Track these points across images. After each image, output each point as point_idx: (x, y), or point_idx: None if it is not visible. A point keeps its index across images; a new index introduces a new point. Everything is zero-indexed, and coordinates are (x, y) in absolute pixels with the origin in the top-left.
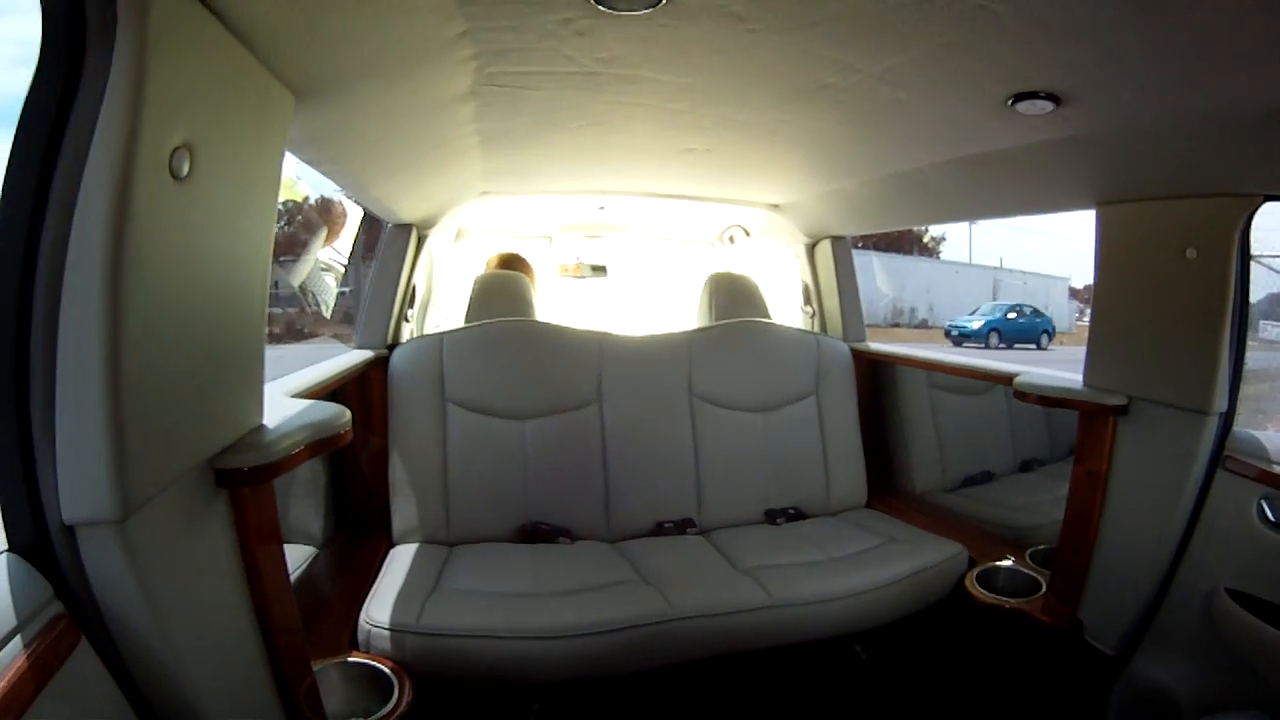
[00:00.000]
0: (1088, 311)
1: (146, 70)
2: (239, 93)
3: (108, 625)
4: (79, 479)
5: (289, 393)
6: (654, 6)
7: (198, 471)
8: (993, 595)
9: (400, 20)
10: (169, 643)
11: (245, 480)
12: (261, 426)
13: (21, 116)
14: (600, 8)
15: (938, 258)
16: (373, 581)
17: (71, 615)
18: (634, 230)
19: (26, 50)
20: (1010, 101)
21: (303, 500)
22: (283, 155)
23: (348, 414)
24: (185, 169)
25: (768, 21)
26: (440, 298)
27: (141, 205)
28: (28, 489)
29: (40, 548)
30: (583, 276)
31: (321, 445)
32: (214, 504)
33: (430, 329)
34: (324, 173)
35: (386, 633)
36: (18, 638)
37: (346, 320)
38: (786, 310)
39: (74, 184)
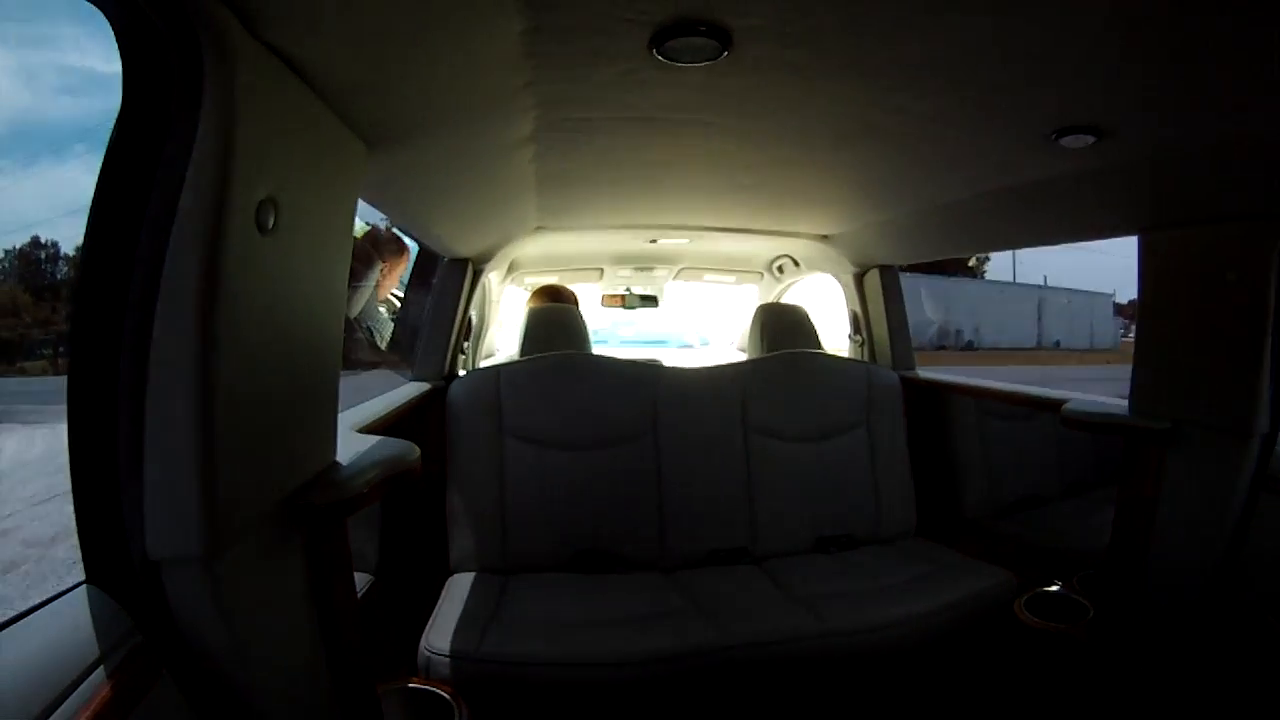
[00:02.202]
0: (1132, 328)
1: (235, 127)
2: (317, 145)
3: (188, 657)
4: (167, 517)
5: (354, 427)
6: (715, 59)
7: (277, 509)
8: (1041, 620)
9: (469, 73)
10: (248, 674)
11: (321, 517)
12: (336, 463)
13: (106, 165)
14: (663, 60)
15: (982, 278)
16: (430, 609)
17: (154, 648)
18: (684, 262)
19: (68, 79)
20: (1053, 136)
21: (359, 528)
22: (356, 203)
23: (417, 450)
24: (270, 222)
25: (821, 69)
26: (493, 328)
27: (231, 257)
28: (111, 525)
29: (120, 581)
30: (630, 307)
31: (395, 481)
32: (291, 539)
33: (482, 357)
34: (387, 213)
35: (447, 660)
36: (101, 668)
37: (393, 347)
38: (832, 340)
39: (162, 234)
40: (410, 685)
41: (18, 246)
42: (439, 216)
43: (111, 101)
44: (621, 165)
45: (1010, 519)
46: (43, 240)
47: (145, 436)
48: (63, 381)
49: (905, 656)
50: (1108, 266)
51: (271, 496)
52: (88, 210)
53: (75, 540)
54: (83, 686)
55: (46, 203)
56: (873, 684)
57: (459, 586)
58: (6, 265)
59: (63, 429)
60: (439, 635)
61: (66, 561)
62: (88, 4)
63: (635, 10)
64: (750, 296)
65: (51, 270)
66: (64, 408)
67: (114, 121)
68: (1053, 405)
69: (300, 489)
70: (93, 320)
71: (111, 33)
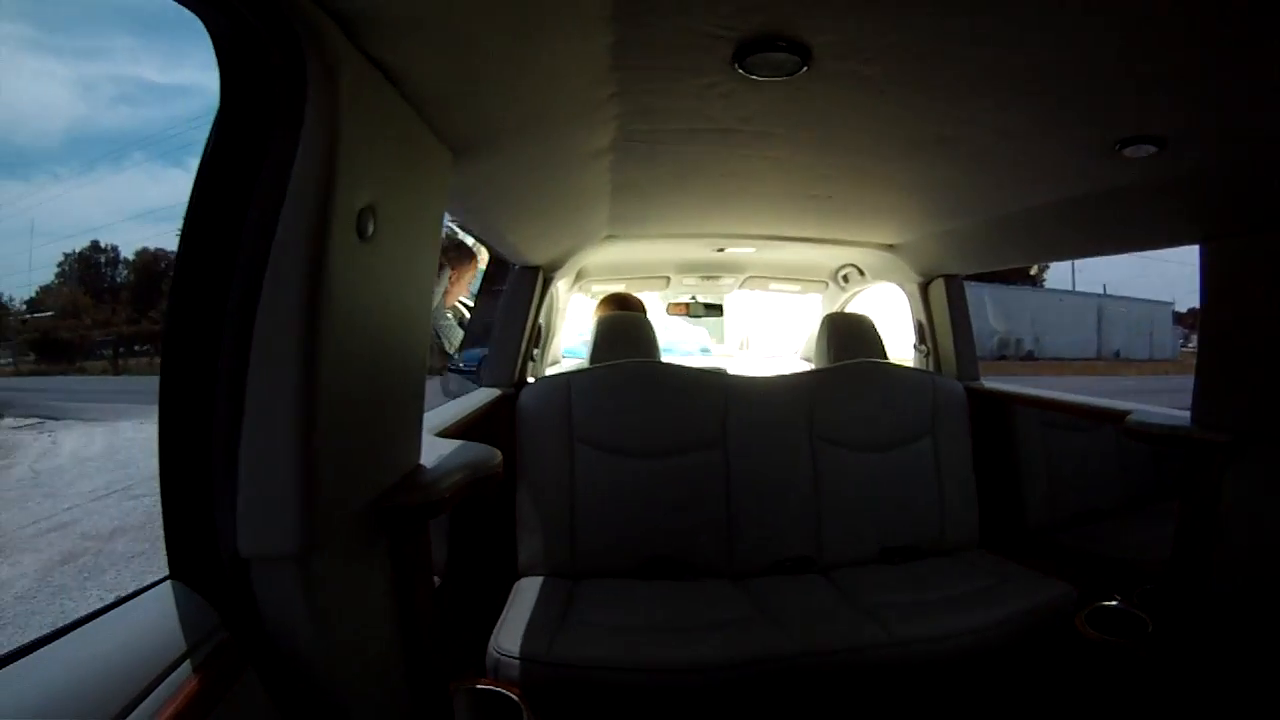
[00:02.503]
0: (1192, 338)
1: (338, 135)
2: (409, 154)
3: (274, 655)
4: (262, 516)
5: (431, 431)
6: (793, 74)
7: (366, 510)
8: (1102, 634)
9: (555, 84)
10: (332, 672)
11: (407, 518)
12: (421, 466)
13: (203, 169)
14: (744, 74)
15: (1042, 286)
16: (496, 612)
17: (239, 644)
18: (750, 270)
19: (124, 89)
20: (1116, 146)
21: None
22: (444, 211)
23: (499, 455)
24: (370, 229)
25: (895, 83)
26: (558, 336)
27: (334, 263)
28: (200, 523)
29: (206, 577)
30: (695, 316)
31: (477, 485)
32: (377, 541)
33: (548, 364)
34: (465, 220)
35: (516, 662)
36: (187, 663)
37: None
38: (896, 350)
39: (265, 239)
40: (479, 686)
41: (77, 250)
42: (514, 224)
43: (167, 111)
44: (694, 176)
45: (1071, 531)
46: (102, 245)
47: (242, 436)
48: (121, 382)
49: (967, 667)
50: (1167, 275)
51: (362, 498)
52: (148, 215)
53: (134, 535)
54: (169, 679)
55: (106, 208)
56: (935, 694)
57: (527, 590)
58: (66, 269)
59: (121, 426)
60: (508, 637)
61: (125, 555)
62: (143, 17)
63: (720, 26)
64: (811, 306)
65: (111, 274)
66: (121, 407)
67: (211, 126)
68: (1116, 416)
69: (388, 491)
70: (188, 320)
71: (206, 43)
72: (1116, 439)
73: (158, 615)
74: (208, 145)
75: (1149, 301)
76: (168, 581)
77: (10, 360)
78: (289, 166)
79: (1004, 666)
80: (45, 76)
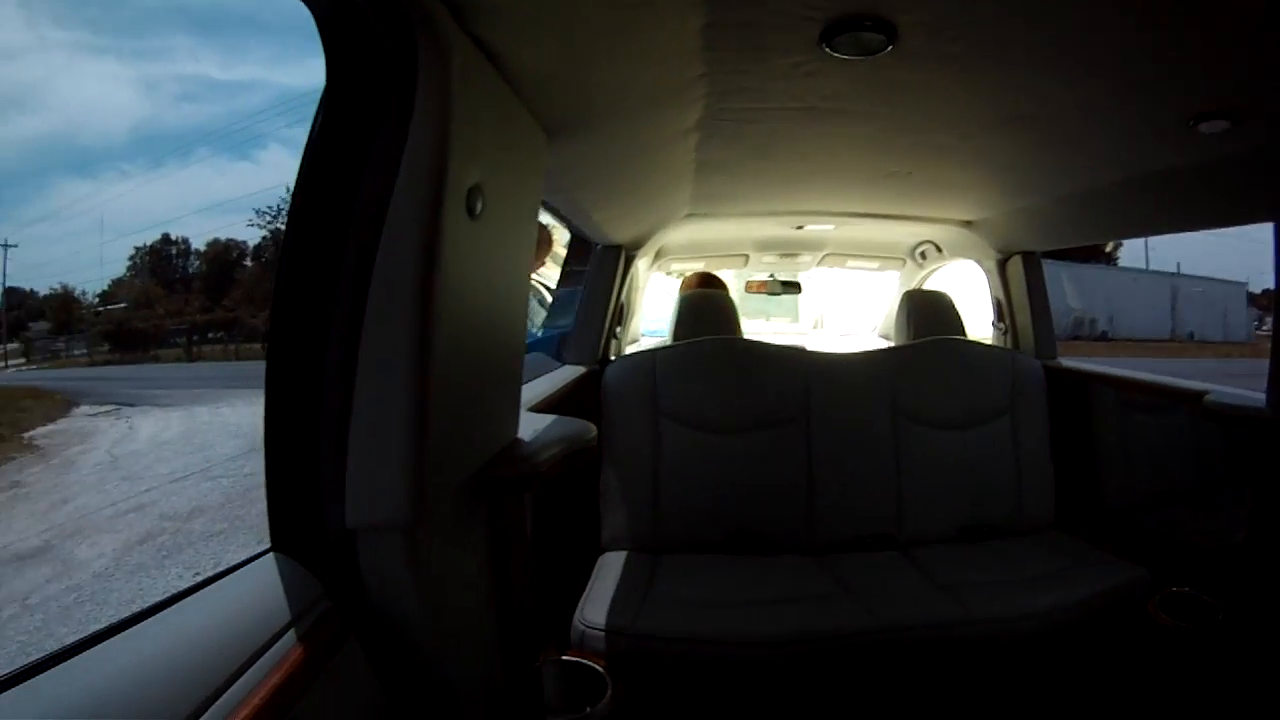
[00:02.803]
0: (1267, 320)
1: (450, 116)
2: (509, 135)
3: (377, 623)
4: (372, 487)
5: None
6: (879, 52)
7: (469, 482)
8: (1175, 620)
9: (647, 65)
10: (434, 641)
11: (507, 490)
12: (519, 440)
13: (311, 154)
14: (831, 53)
15: (1115, 264)
16: (579, 585)
17: (342, 614)
18: (828, 248)
19: (187, 87)
20: (1191, 122)
21: None
22: (541, 191)
23: (594, 429)
24: (478, 208)
25: (978, 60)
26: (639, 314)
27: (447, 240)
28: (306, 496)
29: (309, 549)
30: (773, 293)
31: (573, 458)
32: (477, 512)
33: (627, 343)
34: (554, 200)
35: (601, 634)
36: (292, 631)
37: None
38: (975, 328)
39: (377, 219)
40: (565, 658)
41: (148, 244)
42: (600, 204)
43: (230, 106)
44: (776, 153)
45: (1146, 514)
46: (173, 237)
47: (354, 410)
48: (195, 369)
49: (1040, 647)
50: (1240, 252)
51: (465, 470)
52: (216, 207)
53: (212, 515)
54: (274, 648)
55: (174, 202)
56: (1008, 673)
57: (611, 564)
58: (138, 262)
59: (197, 411)
60: (593, 610)
61: (204, 534)
62: (202, 16)
63: (809, 6)
64: (884, 284)
65: (183, 265)
66: (196, 393)
67: (317, 107)
68: (1193, 397)
69: (488, 464)
70: (297, 299)
71: (317, 28)
72: (1192, 421)
73: (262, 586)
74: (314, 128)
75: (1223, 281)
76: (270, 554)
77: (84, 351)
78: (401, 147)
79: (1076, 648)
80: (108, 79)
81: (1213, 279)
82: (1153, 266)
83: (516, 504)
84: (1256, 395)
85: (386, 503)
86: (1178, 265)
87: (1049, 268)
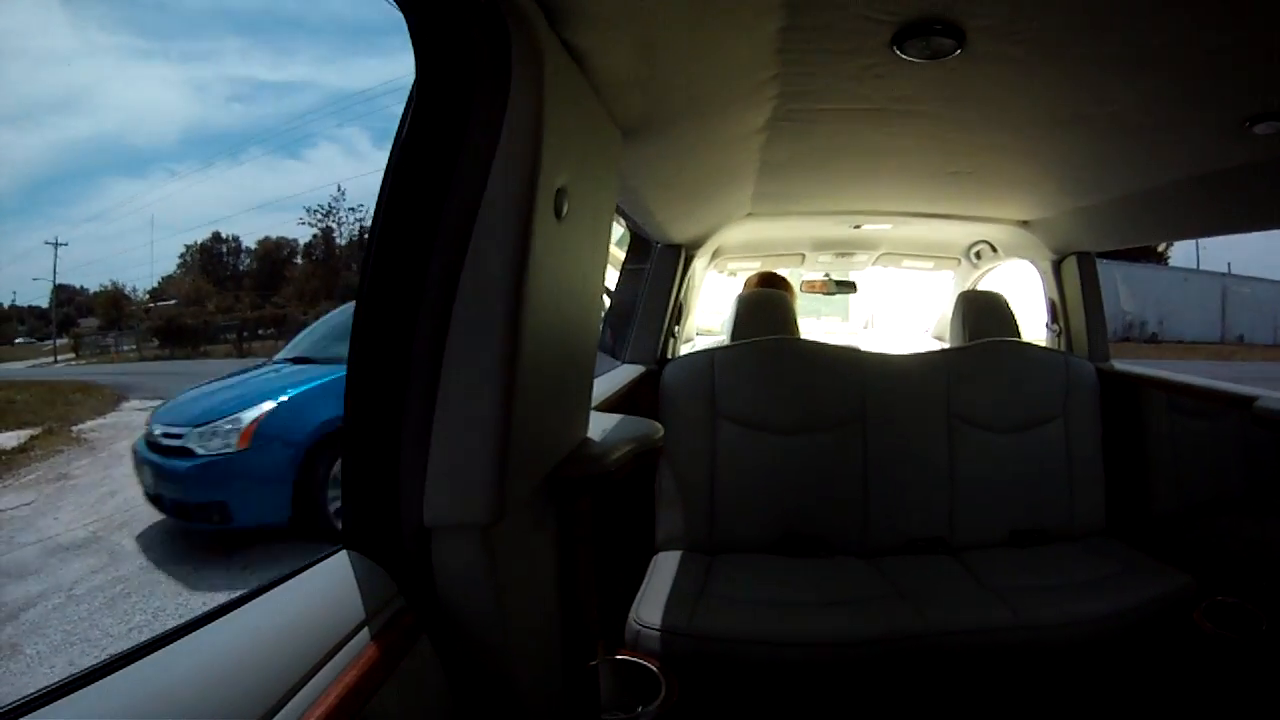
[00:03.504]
0: None
1: (541, 118)
2: (590, 137)
3: (449, 622)
4: (453, 487)
5: None
6: (948, 56)
7: (544, 480)
8: (1217, 629)
9: (722, 68)
10: (504, 639)
11: (579, 489)
12: (589, 439)
13: (398, 152)
14: (901, 56)
15: (1165, 264)
16: (634, 585)
17: (414, 612)
18: (884, 247)
19: (237, 89)
20: (1247, 124)
21: None
22: (616, 192)
23: (661, 429)
24: (565, 209)
25: (1041, 62)
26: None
27: (537, 241)
28: (383, 494)
29: (381, 547)
30: (830, 293)
31: (642, 457)
32: (549, 509)
33: (683, 343)
34: (621, 201)
35: (656, 633)
36: (366, 629)
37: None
38: (1029, 329)
39: (468, 218)
40: (620, 657)
41: (198, 242)
42: (663, 204)
43: (279, 107)
44: (840, 154)
45: (1194, 522)
46: (223, 235)
47: (437, 409)
48: (244, 365)
49: (1088, 653)
50: None
51: (540, 469)
52: (267, 205)
53: None
54: (348, 646)
55: (225, 201)
56: (1056, 678)
57: (666, 563)
58: (188, 259)
59: None
60: (648, 609)
61: None
62: (249, 18)
63: (882, 10)
64: (937, 285)
65: (234, 262)
66: None
67: (406, 104)
68: (1244, 402)
69: (560, 464)
70: (384, 294)
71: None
72: (1242, 427)
73: (336, 583)
74: (403, 125)
75: (1274, 282)
76: (342, 551)
77: (134, 346)
78: (494, 148)
79: (1122, 654)
80: (157, 82)
81: (1264, 280)
82: (1203, 267)
83: (584, 504)
84: None
85: (467, 502)
86: (1228, 266)
87: (1102, 268)
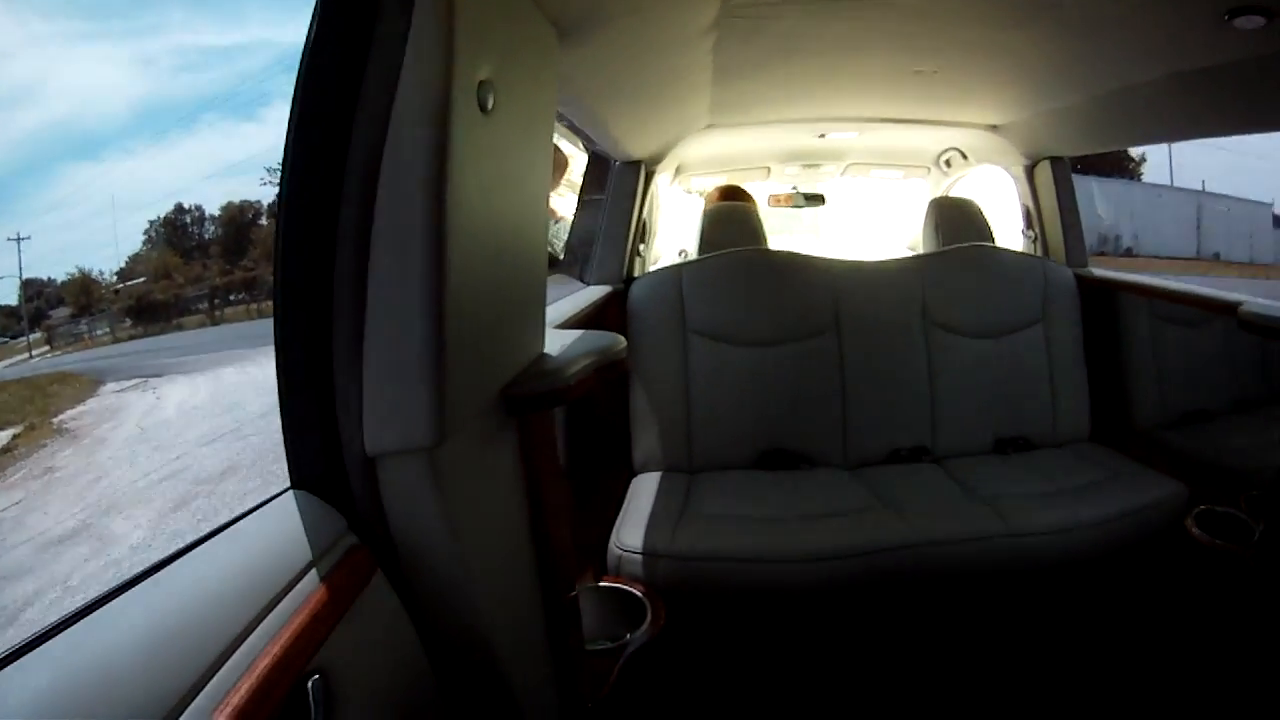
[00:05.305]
0: None
1: (454, 7)
2: (519, 32)
3: (401, 554)
4: (392, 410)
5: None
6: None
7: (494, 399)
8: (1209, 537)
9: None
10: (461, 568)
11: (535, 406)
12: (545, 355)
13: (310, 48)
14: None
15: (1138, 180)
16: (616, 509)
17: (368, 546)
18: (852, 157)
19: (185, 59)
20: (1225, 16)
21: None
22: (555, 95)
23: (623, 340)
24: (490, 103)
25: None
26: (660, 232)
27: (458, 135)
28: (324, 427)
29: (330, 484)
30: (797, 206)
31: (603, 372)
32: (504, 430)
33: (650, 263)
34: (568, 111)
35: (639, 557)
36: (315, 570)
37: (576, 261)
38: (1006, 238)
39: (381, 118)
40: (604, 584)
41: (161, 216)
42: (617, 115)
43: (232, 70)
44: (797, 53)
45: (1180, 430)
46: (186, 205)
47: (367, 329)
48: (219, 332)
49: (1079, 561)
50: (1265, 170)
51: (489, 386)
52: (228, 170)
53: (245, 473)
54: (298, 587)
55: (183, 171)
56: (1048, 586)
57: (645, 485)
58: (153, 234)
59: (223, 373)
60: (629, 533)
61: (238, 494)
62: None
63: None
64: (910, 202)
65: (199, 231)
66: (222, 355)
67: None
68: (1229, 308)
69: (514, 380)
70: (301, 219)
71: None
72: (1226, 336)
73: (282, 525)
74: (309, 34)
75: (1249, 201)
76: (290, 492)
77: (107, 330)
78: (403, 43)
79: (1114, 563)
80: (103, 61)
81: (1239, 199)
82: (1177, 184)
83: (546, 423)
84: None
85: (407, 425)
86: (1203, 183)
87: (1079, 181)
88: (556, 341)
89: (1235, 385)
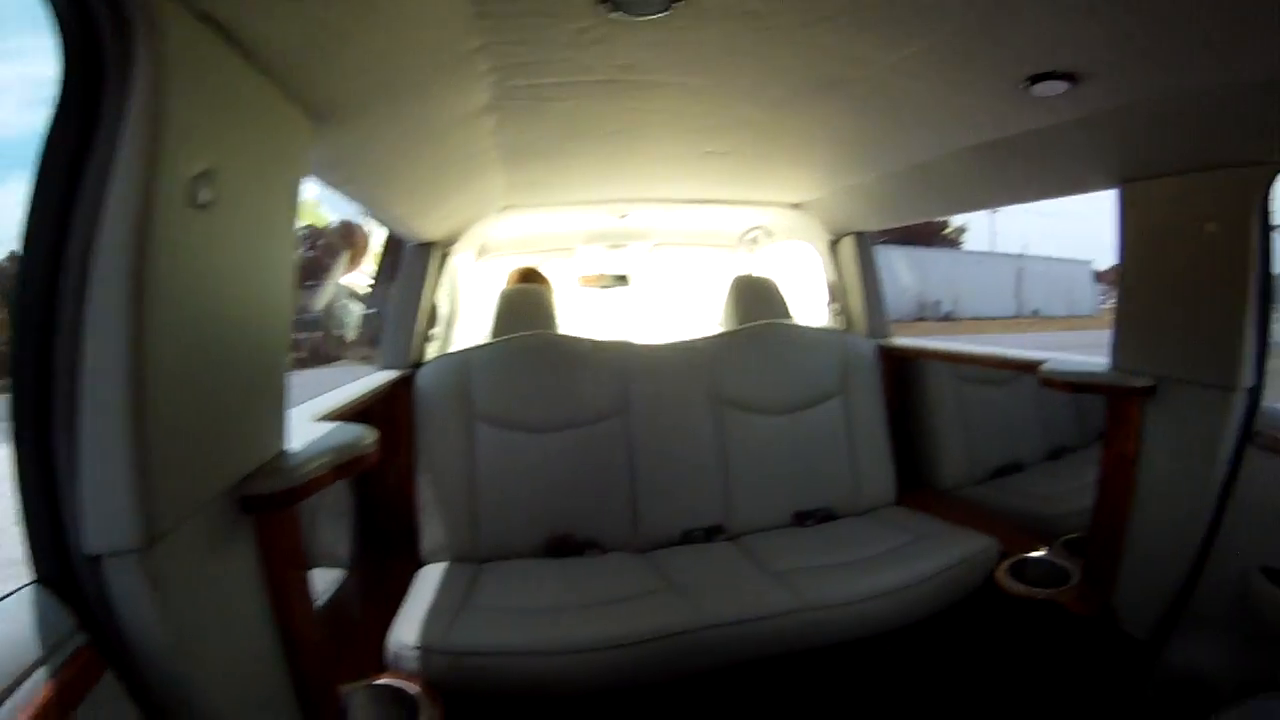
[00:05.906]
0: (1113, 295)
1: (165, 98)
2: (257, 119)
3: (132, 654)
4: (102, 509)
5: (315, 416)
6: (668, 10)
7: (222, 498)
8: (1024, 586)
9: (416, 39)
10: (193, 670)
11: (269, 505)
12: (284, 451)
13: (42, 149)
14: (613, 15)
15: (959, 248)
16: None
17: (97, 646)
18: (656, 237)
19: (43, 91)
20: (1026, 84)
21: (330, 523)
22: (300, 180)
23: (373, 434)
24: (206, 196)
25: (781, 18)
26: (466, 315)
27: (163, 233)
28: (52, 520)
29: (65, 578)
30: (606, 286)
31: (346, 468)
32: (239, 530)
33: (455, 347)
34: (345, 194)
35: (415, 653)
36: (42, 669)
37: (373, 343)
38: (814, 310)
39: (95, 213)
40: (377, 682)
41: None
42: (399, 196)
43: None
44: (586, 135)
45: (991, 485)
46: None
47: (80, 428)
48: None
49: (885, 628)
50: (1085, 233)
51: (214, 485)
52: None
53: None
54: (23, 688)
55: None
56: (853, 660)
57: (429, 578)
58: None
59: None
60: (406, 628)
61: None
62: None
63: None
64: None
65: None
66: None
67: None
68: (1030, 367)
69: (247, 478)
70: (31, 315)
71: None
72: (1034, 392)
73: (14, 621)
74: (48, 126)
75: (1068, 261)
76: (30, 586)
77: None
78: (118, 139)
79: (926, 626)
80: None
81: (1059, 259)
82: (1000, 249)
83: (288, 519)
84: (1094, 360)
85: (118, 524)
86: (1023, 247)
87: (885, 252)
88: (307, 434)
89: (1051, 436)
